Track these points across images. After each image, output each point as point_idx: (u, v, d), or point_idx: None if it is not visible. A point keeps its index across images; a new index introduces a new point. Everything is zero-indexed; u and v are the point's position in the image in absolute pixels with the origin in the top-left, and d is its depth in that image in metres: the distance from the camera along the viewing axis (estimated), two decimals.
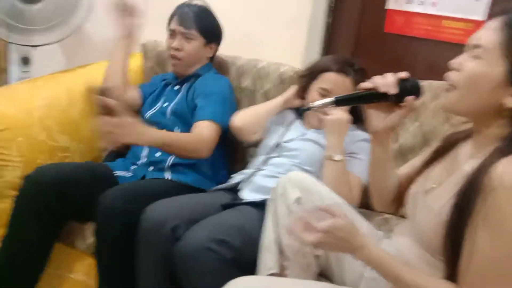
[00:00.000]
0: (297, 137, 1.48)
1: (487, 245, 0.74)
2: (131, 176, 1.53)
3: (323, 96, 1.43)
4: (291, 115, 1.60)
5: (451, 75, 0.85)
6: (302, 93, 1.53)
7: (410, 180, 1.03)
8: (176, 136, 1.49)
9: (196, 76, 1.69)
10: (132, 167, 1.57)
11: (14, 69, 1.91)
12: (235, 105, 1.71)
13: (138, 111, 1.73)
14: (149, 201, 1.21)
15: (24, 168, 1.49)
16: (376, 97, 0.92)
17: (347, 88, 1.43)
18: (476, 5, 1.66)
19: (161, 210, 1.17)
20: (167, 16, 1.72)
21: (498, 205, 0.72)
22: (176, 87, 1.72)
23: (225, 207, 1.27)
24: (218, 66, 1.83)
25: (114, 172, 1.53)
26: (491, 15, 0.85)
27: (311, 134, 1.51)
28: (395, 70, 0.96)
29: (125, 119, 1.23)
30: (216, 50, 1.75)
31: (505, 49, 0.78)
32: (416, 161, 1.09)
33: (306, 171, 1.39)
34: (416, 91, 0.91)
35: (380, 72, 0.95)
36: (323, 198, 1.13)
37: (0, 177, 1.49)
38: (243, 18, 1.96)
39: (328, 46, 1.97)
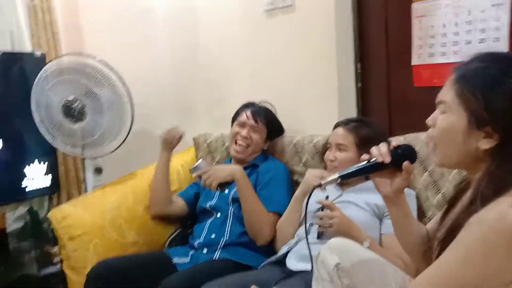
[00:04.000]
0: (333, 200, 1.54)
1: (442, 259, 0.83)
2: (188, 262, 1.67)
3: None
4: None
5: (430, 133, 0.96)
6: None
7: (435, 233, 1.05)
8: (260, 206, 1.69)
9: (253, 166, 1.87)
10: (190, 252, 1.71)
11: (90, 178, 2.19)
12: (292, 186, 1.84)
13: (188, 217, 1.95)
14: (203, 284, 1.31)
15: None
16: (375, 167, 1.02)
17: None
18: (495, 47, 1.69)
19: None
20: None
21: (469, 230, 0.79)
22: None
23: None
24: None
25: (173, 259, 1.67)
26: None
27: (347, 195, 1.57)
28: None
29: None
30: (269, 144, 1.96)
31: (461, 100, 0.88)
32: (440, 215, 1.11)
33: None
34: (409, 155, 1.01)
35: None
36: (363, 261, 1.17)
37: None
38: (279, 100, 2.13)
39: (363, 109, 2.05)
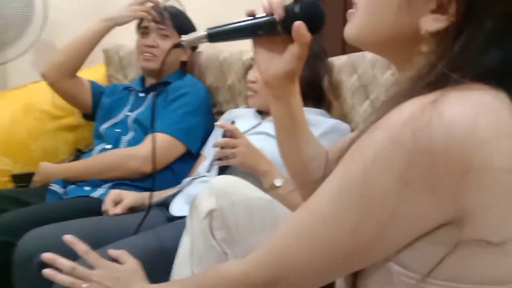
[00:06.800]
0: (247, 130, 1.18)
1: (316, 193, 0.50)
2: (62, 193, 1.31)
3: None
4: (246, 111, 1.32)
5: None
6: None
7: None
8: (98, 157, 1.37)
9: (165, 84, 1.50)
10: (69, 187, 1.33)
11: None
12: (207, 116, 1.48)
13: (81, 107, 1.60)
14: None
15: None
16: (259, 27, 0.65)
17: None
18: None
19: (34, 241, 0.91)
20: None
21: (357, 143, 0.48)
22: (142, 94, 1.54)
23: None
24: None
25: (51, 185, 1.31)
26: None
27: (266, 125, 1.21)
28: None
29: None
30: (190, 56, 1.57)
31: None
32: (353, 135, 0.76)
33: None
34: (311, 17, 0.62)
35: None
36: (251, 207, 0.84)
37: None
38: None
39: None
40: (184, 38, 0.69)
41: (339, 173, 0.48)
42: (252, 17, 0.65)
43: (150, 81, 1.54)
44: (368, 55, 1.23)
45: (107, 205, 1.15)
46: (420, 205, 0.43)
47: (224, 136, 1.10)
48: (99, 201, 1.21)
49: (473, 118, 0.41)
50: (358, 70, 1.26)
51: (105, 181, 1.31)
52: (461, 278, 0.45)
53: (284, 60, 0.64)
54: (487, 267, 0.45)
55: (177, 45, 0.71)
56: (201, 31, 0.68)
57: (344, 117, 1.25)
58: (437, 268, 0.45)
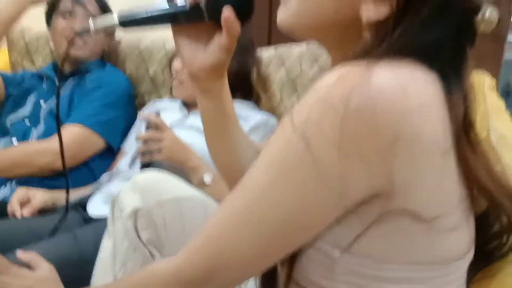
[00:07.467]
0: (174, 124, 1.12)
1: (254, 170, 0.45)
2: None
3: None
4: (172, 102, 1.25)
5: None
6: None
7: None
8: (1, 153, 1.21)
9: (84, 71, 1.36)
10: None
11: None
12: (132, 107, 1.39)
13: None
14: None
15: None
16: (181, 14, 0.56)
17: None
18: None
19: None
20: None
21: (296, 108, 0.43)
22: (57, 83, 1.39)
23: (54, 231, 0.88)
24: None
25: None
26: None
27: (194, 118, 1.15)
28: None
29: None
30: (109, 44, 1.44)
31: None
32: None
33: None
34: (239, 1, 0.55)
35: None
36: (181, 205, 0.78)
37: None
38: None
39: None
40: (92, 25, 0.58)
41: (271, 146, 0.45)
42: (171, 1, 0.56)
43: (67, 67, 1.38)
44: (295, 48, 1.22)
45: (14, 206, 1.02)
46: (352, 171, 0.41)
47: (147, 128, 1.03)
48: (2, 203, 1.07)
49: (404, 86, 0.40)
50: (286, 63, 1.25)
51: (9, 179, 1.17)
52: (389, 257, 0.44)
53: (210, 52, 0.58)
54: (417, 246, 0.44)
55: (83, 32, 0.60)
56: (112, 15, 0.58)
57: (273, 111, 1.23)
58: (365, 244, 0.43)
